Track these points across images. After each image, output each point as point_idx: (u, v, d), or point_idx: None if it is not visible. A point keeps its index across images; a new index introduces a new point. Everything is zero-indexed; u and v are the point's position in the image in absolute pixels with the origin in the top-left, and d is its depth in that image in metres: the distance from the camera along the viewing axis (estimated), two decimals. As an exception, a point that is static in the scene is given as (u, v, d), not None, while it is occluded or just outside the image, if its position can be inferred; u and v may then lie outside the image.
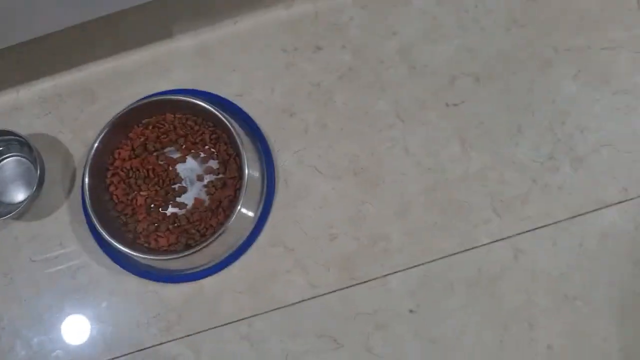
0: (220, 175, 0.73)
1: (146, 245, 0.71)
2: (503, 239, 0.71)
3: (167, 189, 0.74)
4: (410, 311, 0.71)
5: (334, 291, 0.72)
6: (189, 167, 0.75)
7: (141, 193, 0.73)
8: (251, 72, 0.78)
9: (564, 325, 0.69)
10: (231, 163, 0.73)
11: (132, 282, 0.74)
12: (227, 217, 0.69)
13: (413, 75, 0.75)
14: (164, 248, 0.71)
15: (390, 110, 0.75)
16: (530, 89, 0.74)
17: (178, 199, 0.74)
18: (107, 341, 0.74)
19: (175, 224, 0.72)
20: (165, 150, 0.75)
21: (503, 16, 0.76)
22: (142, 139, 0.75)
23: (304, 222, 0.73)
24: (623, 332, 0.68)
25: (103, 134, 0.73)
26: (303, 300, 0.72)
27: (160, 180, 0.74)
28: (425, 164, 0.73)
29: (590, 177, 0.71)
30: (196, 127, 0.74)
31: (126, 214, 0.73)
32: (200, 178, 0.74)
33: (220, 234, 0.68)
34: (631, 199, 0.70)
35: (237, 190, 0.71)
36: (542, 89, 0.74)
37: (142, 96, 0.78)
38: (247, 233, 0.73)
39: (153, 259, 0.71)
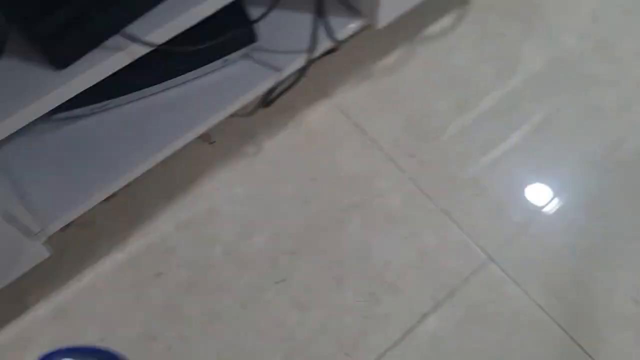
0: (105, 419, 0.80)
1: None
2: (360, 374, 0.84)
3: None
4: None
5: None
6: (74, 423, 0.81)
7: None
8: (108, 315, 0.88)
9: None
10: (111, 404, 0.80)
11: None
12: None
13: (241, 268, 0.90)
14: None
15: (234, 304, 0.88)
16: (337, 245, 0.91)
17: None
18: None
19: None
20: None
21: (296, 197, 0.94)
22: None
23: None
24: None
25: None
26: None
27: None
28: (276, 335, 0.86)
29: (405, 297, 0.87)
30: (71, 384, 0.82)
31: None
32: None
33: None
34: (440, 304, 0.87)
35: None
36: (344, 242, 0.91)
37: (14, 371, 0.84)
38: None
39: None
